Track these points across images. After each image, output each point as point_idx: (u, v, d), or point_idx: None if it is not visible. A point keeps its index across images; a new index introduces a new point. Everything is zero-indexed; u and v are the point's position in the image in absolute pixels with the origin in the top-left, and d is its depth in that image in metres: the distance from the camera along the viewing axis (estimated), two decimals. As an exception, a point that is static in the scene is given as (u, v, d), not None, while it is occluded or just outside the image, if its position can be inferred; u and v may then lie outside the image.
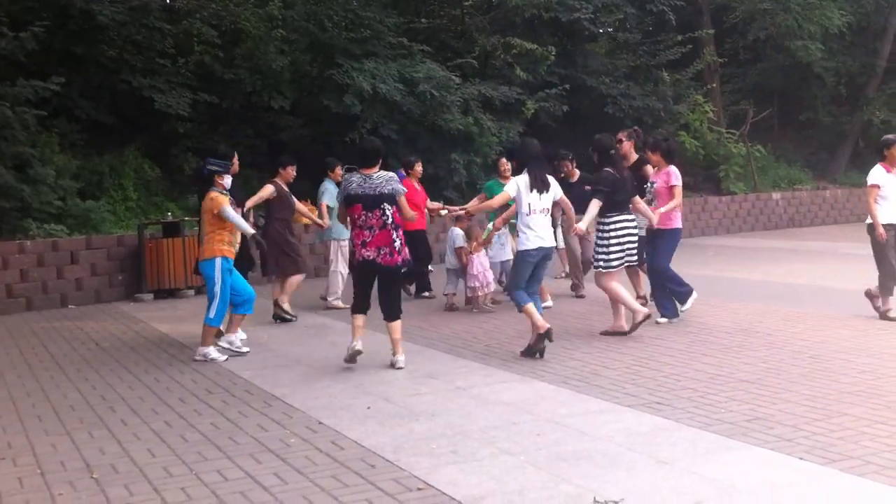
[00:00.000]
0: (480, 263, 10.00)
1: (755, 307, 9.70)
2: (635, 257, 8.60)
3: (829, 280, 11.72)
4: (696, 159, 20.66)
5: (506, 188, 7.83)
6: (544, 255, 7.67)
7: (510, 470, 4.73)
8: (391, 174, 7.47)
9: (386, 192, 7.24)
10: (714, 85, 22.22)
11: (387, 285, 7.48)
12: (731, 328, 8.55)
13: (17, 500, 4.66)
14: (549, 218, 7.70)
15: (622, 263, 8.35)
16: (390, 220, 7.26)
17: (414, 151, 15.30)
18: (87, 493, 4.70)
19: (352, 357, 7.42)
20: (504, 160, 11.44)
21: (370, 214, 7.24)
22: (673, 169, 8.92)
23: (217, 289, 7.86)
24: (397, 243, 7.28)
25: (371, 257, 7.27)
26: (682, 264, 13.10)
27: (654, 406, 5.89)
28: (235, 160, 8.96)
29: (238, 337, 8.33)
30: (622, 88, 19.14)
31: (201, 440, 5.58)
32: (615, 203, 8.17)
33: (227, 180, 8.07)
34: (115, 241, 12.77)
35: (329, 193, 10.43)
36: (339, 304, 10.61)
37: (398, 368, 7.33)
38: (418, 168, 11.43)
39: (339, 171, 10.65)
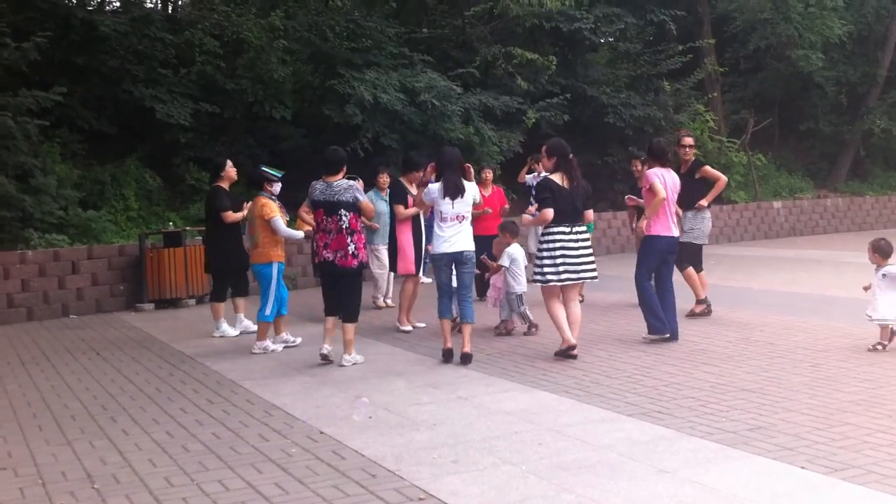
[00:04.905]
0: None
1: (756, 316, 9.70)
2: (582, 274, 7.82)
3: (831, 289, 11.71)
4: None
5: (423, 197, 8.20)
6: (452, 259, 7.94)
7: (512, 479, 4.73)
8: (351, 182, 7.99)
9: (343, 199, 7.87)
10: (715, 94, 22.24)
11: (343, 286, 8.04)
12: (732, 337, 8.55)
13: (18, 510, 4.67)
14: (463, 225, 7.94)
15: (561, 280, 7.74)
16: (346, 225, 7.87)
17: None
18: None
19: (323, 358, 7.96)
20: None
21: (329, 219, 7.89)
22: (649, 171, 8.55)
23: (272, 289, 8.72)
24: (352, 247, 7.88)
25: (329, 258, 7.91)
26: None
27: (656, 415, 5.88)
28: (230, 167, 9.82)
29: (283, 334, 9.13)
30: (623, 98, 19.15)
31: (203, 450, 5.58)
32: (555, 213, 7.72)
33: (276, 187, 8.94)
34: (116, 250, 12.78)
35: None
36: (387, 302, 11.56)
37: (340, 366, 7.89)
38: (486, 175, 11.83)
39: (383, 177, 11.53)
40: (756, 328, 8.98)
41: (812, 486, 4.47)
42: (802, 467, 4.74)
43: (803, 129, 24.44)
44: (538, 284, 7.93)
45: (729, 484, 4.52)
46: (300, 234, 9.09)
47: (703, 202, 9.68)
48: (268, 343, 8.81)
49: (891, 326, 7.65)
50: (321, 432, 5.83)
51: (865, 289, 7.97)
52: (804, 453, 4.96)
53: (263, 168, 9.07)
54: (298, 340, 9.08)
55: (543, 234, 7.86)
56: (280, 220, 8.73)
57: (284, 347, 8.93)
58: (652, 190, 8.40)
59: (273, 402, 6.74)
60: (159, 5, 18.83)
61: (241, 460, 5.31)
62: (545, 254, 7.79)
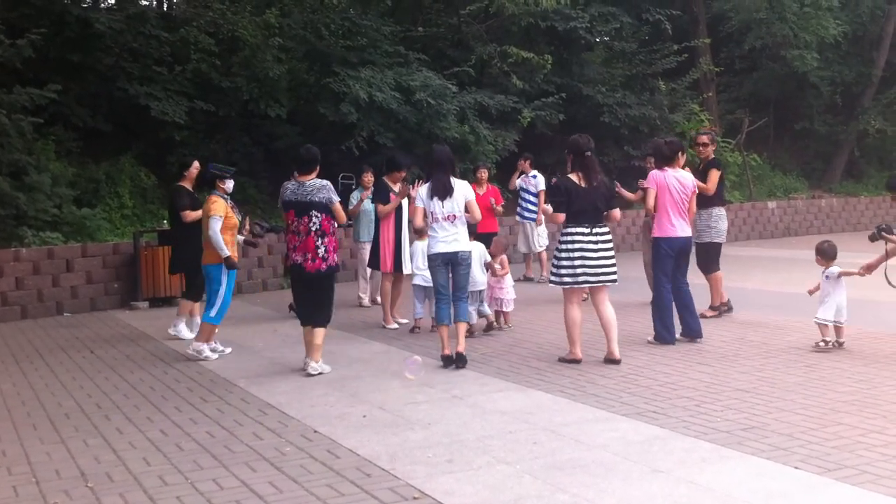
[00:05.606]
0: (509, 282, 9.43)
1: (751, 316, 9.72)
2: (602, 277, 7.56)
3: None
4: (691, 168, 20.74)
5: (416, 202, 8.02)
6: (447, 260, 7.73)
7: (506, 479, 4.73)
8: (325, 182, 7.63)
9: (316, 200, 7.51)
10: (710, 94, 22.28)
11: (313, 290, 7.69)
12: (726, 337, 8.56)
13: (12, 508, 4.65)
14: (456, 225, 7.73)
15: (577, 283, 7.52)
16: (317, 227, 7.53)
17: (410, 159, 15.35)
18: (83, 502, 4.69)
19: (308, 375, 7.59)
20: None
21: (300, 221, 7.55)
22: (652, 172, 8.58)
23: (222, 290, 8.29)
24: (321, 250, 7.54)
25: (298, 261, 7.60)
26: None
27: (650, 415, 5.89)
28: (194, 167, 9.83)
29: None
30: (618, 97, 19.17)
31: (197, 449, 5.57)
32: (571, 213, 7.53)
33: (229, 184, 8.50)
34: (110, 248, 12.76)
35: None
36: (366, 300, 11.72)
37: (308, 374, 7.49)
38: (480, 174, 12.80)
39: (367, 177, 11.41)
40: (750, 328, 9.00)
41: (806, 486, 4.48)
42: (796, 467, 4.75)
43: (798, 129, 24.50)
44: (553, 285, 7.78)
45: (723, 484, 4.53)
46: (225, 252, 8.21)
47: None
48: (204, 346, 8.39)
49: (830, 326, 7.86)
50: (315, 431, 5.82)
51: (810, 292, 8.21)
52: (798, 453, 4.98)
53: (213, 166, 8.69)
54: (228, 350, 8.62)
55: (562, 234, 7.63)
56: (218, 221, 8.16)
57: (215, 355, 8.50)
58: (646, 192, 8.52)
59: (267, 400, 6.73)
60: (154, 3, 18.77)
61: (235, 459, 5.31)
62: (563, 254, 7.53)
